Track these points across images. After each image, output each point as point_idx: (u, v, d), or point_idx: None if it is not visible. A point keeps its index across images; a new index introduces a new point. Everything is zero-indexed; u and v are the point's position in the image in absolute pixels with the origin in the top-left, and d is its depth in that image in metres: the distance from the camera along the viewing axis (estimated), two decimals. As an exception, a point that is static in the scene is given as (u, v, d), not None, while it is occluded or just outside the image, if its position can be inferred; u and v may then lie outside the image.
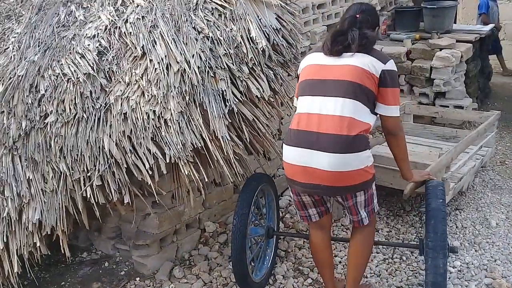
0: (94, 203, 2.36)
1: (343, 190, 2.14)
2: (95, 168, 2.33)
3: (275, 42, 2.61)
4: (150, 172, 2.31)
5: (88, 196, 2.34)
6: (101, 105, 2.42)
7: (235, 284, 2.72)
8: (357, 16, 2.25)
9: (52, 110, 2.48)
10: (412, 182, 2.50)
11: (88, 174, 2.34)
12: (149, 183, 2.32)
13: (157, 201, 2.61)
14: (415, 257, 2.90)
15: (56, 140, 2.42)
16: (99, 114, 2.40)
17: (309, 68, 2.28)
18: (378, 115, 2.23)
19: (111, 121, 2.38)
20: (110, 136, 2.34)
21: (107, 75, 2.52)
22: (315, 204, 2.31)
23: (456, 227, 3.24)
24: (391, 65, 2.17)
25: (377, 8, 5.27)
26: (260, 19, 2.58)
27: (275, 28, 2.63)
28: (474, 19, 7.36)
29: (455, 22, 6.08)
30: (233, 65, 2.46)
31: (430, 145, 3.84)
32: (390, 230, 3.25)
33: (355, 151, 2.06)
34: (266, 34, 2.57)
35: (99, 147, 2.33)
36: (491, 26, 5.94)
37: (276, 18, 2.66)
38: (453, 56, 4.77)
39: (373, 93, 2.13)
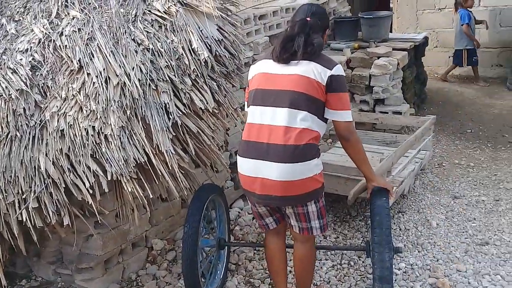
0: (31, 227, 2.22)
1: (294, 200, 2.14)
2: (31, 190, 2.19)
3: (217, 53, 2.60)
4: (91, 191, 2.21)
5: (24, 219, 2.20)
6: (35, 123, 2.30)
7: (185, 302, 2.65)
8: (308, 19, 2.21)
9: (-19, 129, 2.32)
10: (372, 184, 2.44)
11: (24, 196, 2.20)
12: (90, 203, 2.21)
13: (100, 221, 2.50)
14: (362, 262, 2.95)
15: (-14, 161, 2.26)
16: (34, 132, 2.28)
17: (259, 76, 2.25)
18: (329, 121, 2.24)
19: (47, 139, 2.26)
20: (46, 154, 2.22)
21: (42, 91, 2.40)
22: (270, 213, 2.33)
23: (400, 229, 3.35)
24: (338, 70, 2.15)
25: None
26: (201, 30, 2.56)
27: (216, 39, 2.62)
28: (409, 27, 7.73)
29: (391, 31, 6.36)
30: (176, 77, 2.42)
31: (372, 151, 3.95)
32: (337, 236, 3.30)
33: (303, 160, 2.07)
34: (208, 45, 2.56)
35: (35, 167, 2.21)
36: (424, 34, 6.25)
37: (217, 29, 2.65)
38: (390, 64, 4.96)
39: (320, 101, 2.13)
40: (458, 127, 5.52)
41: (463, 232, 3.31)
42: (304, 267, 2.35)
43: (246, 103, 2.34)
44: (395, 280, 2.74)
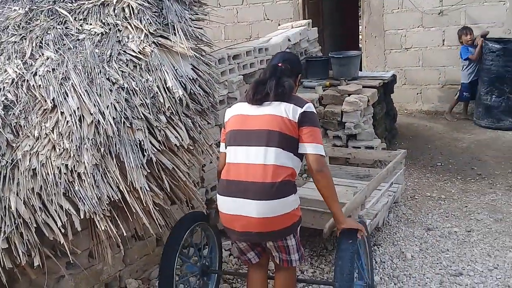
0: (0, 268, 2.15)
1: (273, 235, 2.23)
2: (1, 230, 2.13)
3: (192, 91, 2.65)
4: (63, 230, 2.17)
5: (-7, 261, 2.13)
6: (7, 162, 2.27)
7: None
8: (279, 65, 2.39)
9: (-50, 169, 2.27)
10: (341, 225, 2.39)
11: (-7, 237, 2.14)
12: (62, 242, 2.17)
13: (72, 261, 2.44)
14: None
15: (-46, 202, 2.21)
16: (4, 172, 2.24)
17: (235, 118, 2.36)
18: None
19: (18, 178, 2.22)
20: (17, 194, 2.18)
21: (14, 130, 2.38)
22: (252, 247, 2.40)
23: (375, 262, 3.37)
24: (308, 107, 2.26)
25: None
26: (176, 70, 2.62)
27: (191, 78, 2.67)
28: (377, 66, 8.02)
29: (360, 70, 6.58)
30: (150, 114, 2.45)
31: (346, 185, 4.03)
32: (314, 270, 3.29)
33: (281, 196, 2.16)
34: (182, 84, 2.61)
35: (5, 206, 2.16)
36: (392, 72, 6.49)
37: (192, 68, 2.72)
38: (360, 101, 5.11)
39: (294, 138, 2.23)
40: (429, 161, 5.66)
41: (437, 263, 3.35)
42: None
43: (222, 144, 2.46)
44: (372, 314, 2.74)
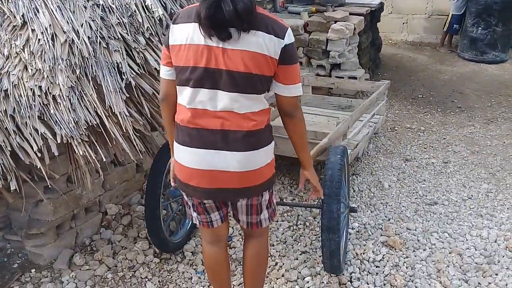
0: (-25, 192, 2.11)
1: (253, 190, 1.86)
2: (-27, 153, 2.06)
3: (172, 11, 2.49)
4: (39, 155, 2.10)
5: (-33, 185, 2.08)
6: (-25, 82, 2.14)
7: (141, 266, 2.63)
8: None
9: None
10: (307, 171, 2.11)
11: (-35, 160, 2.06)
12: (38, 167, 2.11)
13: (50, 186, 2.40)
14: (317, 222, 3.02)
15: None
16: (-27, 92, 2.12)
17: (192, 49, 1.69)
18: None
19: (-12, 100, 2.11)
20: (-12, 116, 2.08)
21: (-19, 47, 2.22)
22: (218, 207, 1.95)
23: (354, 190, 3.44)
24: (289, 37, 1.72)
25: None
26: (155, -13, 2.44)
27: (171, -4, 2.50)
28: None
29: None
30: (128, 35, 2.31)
31: (328, 115, 4.01)
32: (293, 198, 3.35)
33: (261, 146, 1.80)
34: (162, 3, 2.44)
35: (-24, 129, 2.07)
36: (379, 0, 6.28)
37: (172, -15, 2.53)
38: (347, 29, 4.97)
39: (271, 77, 1.76)
40: (410, 93, 5.66)
41: (413, 192, 3.45)
42: (259, 266, 2.11)
43: (163, 67, 1.83)
44: (349, 239, 2.83)
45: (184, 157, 1.80)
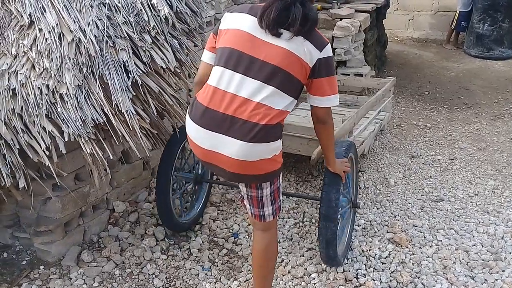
0: (-16, 190, 2.13)
1: (248, 178, 1.95)
2: (-18, 152, 2.08)
3: (178, 9, 2.51)
4: (48, 153, 2.12)
5: (-24, 182, 2.10)
6: (-16, 81, 2.16)
7: (149, 262, 2.65)
8: None
9: None
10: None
11: (-26, 159, 2.09)
12: (47, 165, 2.13)
13: (58, 184, 2.42)
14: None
15: None
16: (-18, 91, 2.14)
17: (240, 34, 1.86)
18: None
19: (-3, 99, 2.13)
20: (-3, 115, 2.10)
21: (-11, 47, 2.24)
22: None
23: (359, 187, 3.44)
24: (327, 51, 1.88)
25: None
26: (160, -15, 2.45)
27: (177, -6, 2.51)
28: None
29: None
30: (134, 33, 2.32)
31: (334, 112, 3.96)
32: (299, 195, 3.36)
33: (266, 141, 1.85)
34: (168, 1, 2.45)
35: (-15, 127, 2.09)
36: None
37: (178, -16, 2.54)
38: (352, 26, 4.96)
39: (301, 83, 1.88)
40: (416, 89, 5.65)
41: (419, 189, 3.44)
42: (267, 261, 2.13)
43: (206, 52, 2.03)
44: (355, 236, 2.84)
45: (190, 131, 1.96)
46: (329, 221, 2.33)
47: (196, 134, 1.92)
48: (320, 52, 1.86)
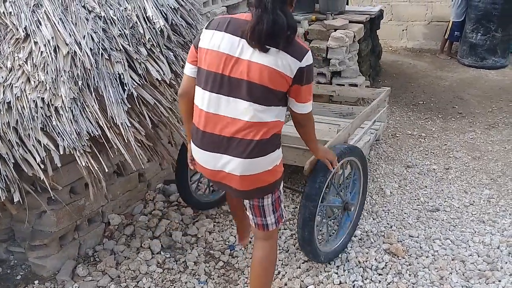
0: (-22, 204, 2.12)
1: (255, 193, 2.02)
2: (-24, 165, 2.07)
3: (173, 22, 2.52)
4: (42, 166, 2.12)
5: (-30, 197, 2.09)
6: (-22, 94, 2.15)
7: (144, 276, 2.63)
8: None
9: None
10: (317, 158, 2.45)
11: (-32, 173, 2.08)
12: (42, 178, 2.12)
13: (53, 197, 2.41)
14: (320, 230, 3.02)
15: None
16: (-23, 105, 2.14)
17: (216, 56, 1.86)
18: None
19: (-8, 112, 2.12)
20: (-9, 128, 2.09)
21: (-16, 60, 2.24)
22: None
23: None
24: (307, 61, 1.87)
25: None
26: (156, -2, 2.46)
27: (172, 7, 2.53)
28: (364, 0, 7.79)
29: (347, 4, 6.38)
30: (130, 46, 2.33)
31: (329, 122, 4.02)
32: (296, 206, 3.35)
33: (265, 154, 1.92)
34: (163, 14, 2.47)
35: (-20, 141, 2.08)
36: (379, 7, 6.32)
37: (173, -3, 2.56)
38: (346, 36, 4.99)
39: (284, 93, 1.92)
40: (411, 99, 5.67)
41: (415, 199, 3.45)
42: (264, 270, 2.16)
43: (188, 65, 2.01)
44: (351, 247, 2.83)
45: (196, 154, 2.05)
46: (309, 200, 2.41)
47: (201, 156, 2.02)
48: (301, 61, 1.85)
